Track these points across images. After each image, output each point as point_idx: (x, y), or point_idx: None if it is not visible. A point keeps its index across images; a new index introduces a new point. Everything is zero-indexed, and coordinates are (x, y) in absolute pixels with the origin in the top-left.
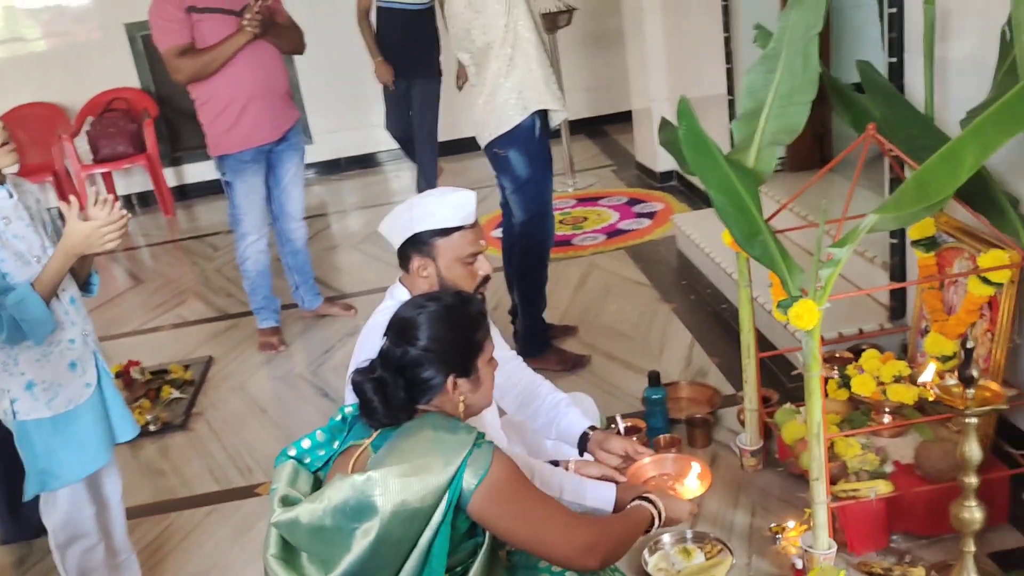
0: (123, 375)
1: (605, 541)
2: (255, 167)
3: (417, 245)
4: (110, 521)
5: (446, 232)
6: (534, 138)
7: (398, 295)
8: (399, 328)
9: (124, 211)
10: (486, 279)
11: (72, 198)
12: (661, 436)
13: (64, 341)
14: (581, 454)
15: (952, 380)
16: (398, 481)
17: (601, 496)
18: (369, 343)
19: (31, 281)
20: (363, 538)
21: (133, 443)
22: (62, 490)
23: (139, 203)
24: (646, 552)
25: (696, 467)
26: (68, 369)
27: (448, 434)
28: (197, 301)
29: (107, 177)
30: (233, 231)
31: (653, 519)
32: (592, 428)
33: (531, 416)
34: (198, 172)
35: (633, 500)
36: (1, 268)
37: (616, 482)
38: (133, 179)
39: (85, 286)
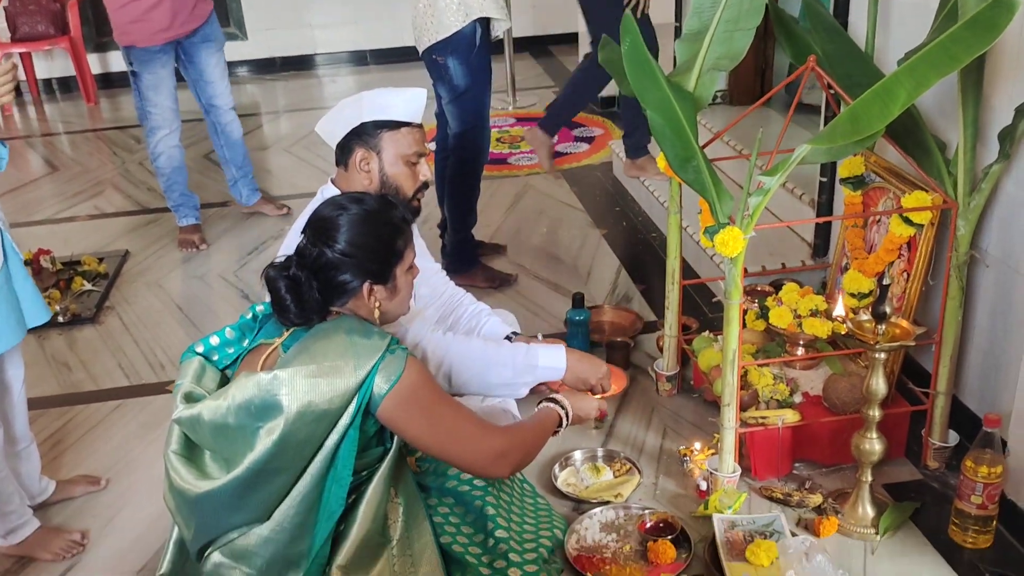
0: (32, 263)
1: (515, 448)
2: (164, 59)
3: (363, 136)
4: (10, 408)
5: (395, 126)
6: (474, 47)
7: (328, 195)
8: (318, 227)
9: (14, 62)
10: (425, 185)
11: None
12: None
13: None
14: None
15: (866, 316)
16: (306, 382)
17: (552, 363)
18: (294, 242)
19: None
20: (267, 437)
21: (40, 334)
22: None
23: (60, 88)
24: (556, 467)
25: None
26: None
27: (361, 338)
28: (116, 193)
29: (25, 58)
30: (143, 125)
31: (561, 420)
32: (514, 334)
33: (452, 326)
34: (123, 61)
35: (539, 402)
36: None
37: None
38: (54, 63)
39: None
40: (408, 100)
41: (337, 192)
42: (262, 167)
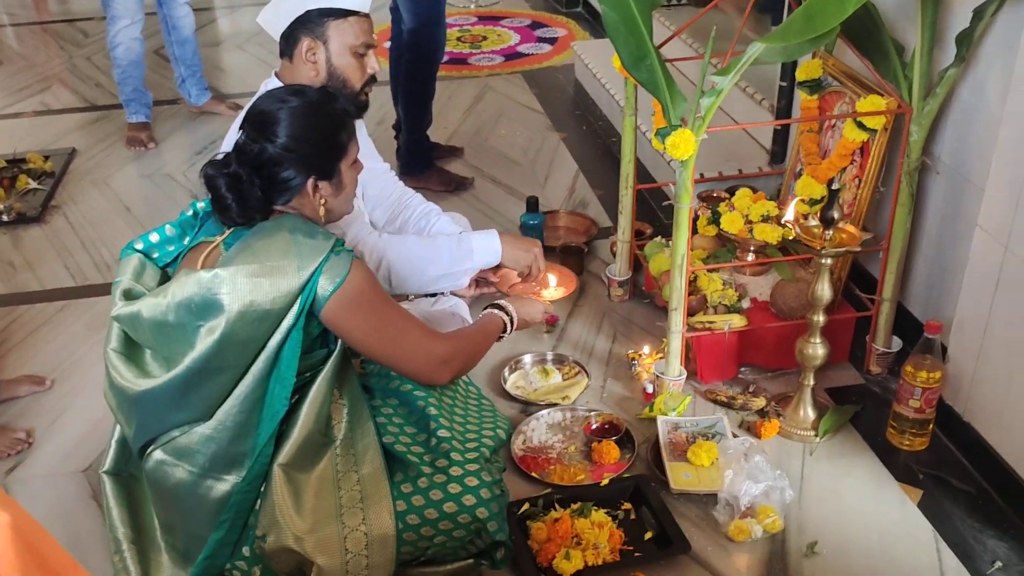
0: None
1: (458, 355)
2: None
3: (308, 25)
4: None
5: (342, 14)
6: None
7: (272, 87)
8: (257, 122)
9: None
10: (373, 78)
11: None
12: None
13: None
14: None
15: (814, 221)
16: (248, 281)
17: (487, 246)
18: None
19: None
20: (207, 336)
21: None
22: None
23: None
24: (506, 370)
25: (554, 278)
26: None
27: (305, 237)
28: (63, 89)
29: None
30: (105, 15)
31: (505, 325)
32: (462, 233)
33: (401, 227)
34: None
35: (485, 308)
36: None
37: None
38: None
39: None
40: None
41: (281, 86)
42: (215, 64)
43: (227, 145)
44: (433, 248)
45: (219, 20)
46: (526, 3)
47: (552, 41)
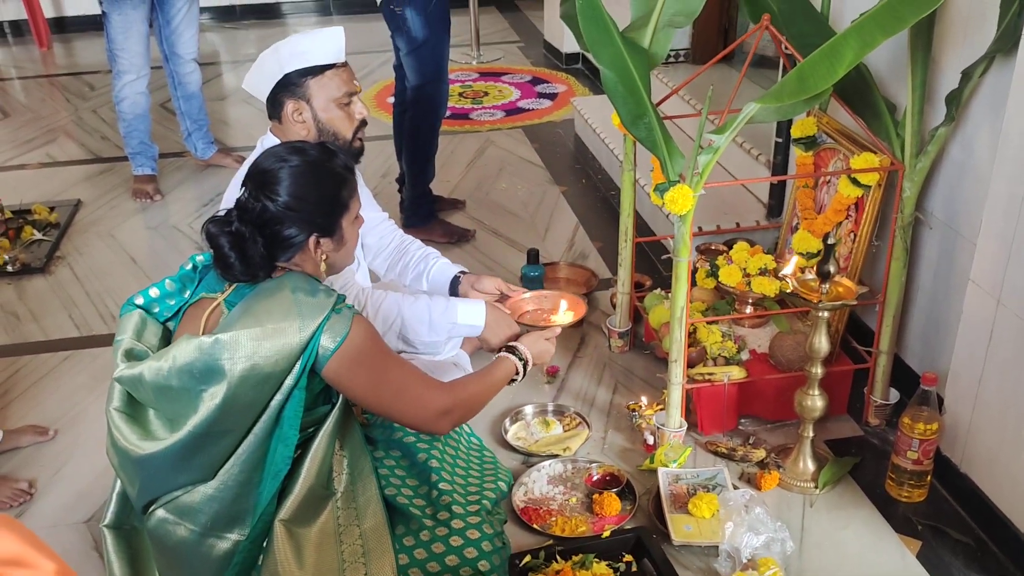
0: None
1: (458, 406)
2: (135, 1)
3: (289, 88)
4: None
5: (318, 71)
6: None
7: (267, 145)
8: (259, 180)
9: None
10: (363, 123)
11: None
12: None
13: None
14: None
15: (811, 275)
16: (249, 344)
17: (472, 312)
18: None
19: None
20: (210, 401)
21: None
22: None
23: (11, 32)
24: (507, 421)
25: (564, 303)
26: None
27: (306, 296)
28: (69, 141)
29: None
30: (111, 68)
31: (518, 369)
32: (463, 272)
33: (401, 272)
34: (79, 4)
35: (500, 352)
36: None
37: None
38: (6, 5)
39: None
40: (325, 41)
41: (277, 142)
42: (220, 118)
43: (227, 201)
44: (413, 311)
45: (224, 75)
46: (527, 59)
47: (552, 97)
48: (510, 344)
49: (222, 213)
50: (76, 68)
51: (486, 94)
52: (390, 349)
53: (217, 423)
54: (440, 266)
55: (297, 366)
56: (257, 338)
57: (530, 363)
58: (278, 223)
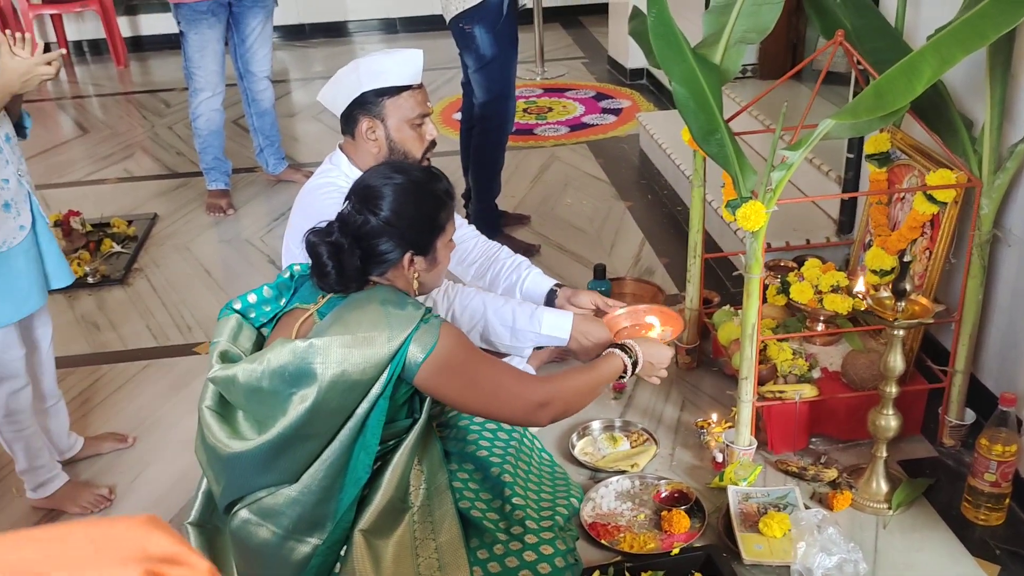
0: (62, 224)
1: (557, 398)
2: (211, 20)
3: (365, 106)
4: (39, 365)
5: (395, 91)
6: (501, 16)
7: (336, 161)
8: (363, 195)
9: (59, 51)
10: (432, 144)
11: (1, 35)
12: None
13: None
14: None
15: (886, 293)
16: (340, 351)
17: (558, 324)
18: (305, 205)
19: None
20: (299, 404)
21: (70, 294)
22: None
23: (90, 51)
24: (574, 436)
25: (656, 319)
26: (2, 210)
27: (396, 308)
28: (145, 156)
29: (56, 20)
30: (187, 86)
31: (626, 367)
32: (558, 285)
33: (493, 281)
34: (155, 24)
35: (608, 348)
36: None
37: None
38: (85, 24)
39: (18, 128)
40: (404, 63)
41: (345, 158)
42: (290, 134)
43: (295, 213)
44: (504, 310)
45: (294, 92)
46: (591, 75)
47: (617, 112)
48: (621, 342)
49: (323, 224)
50: (152, 86)
51: (550, 110)
52: (479, 351)
53: (305, 426)
54: (534, 278)
55: (384, 376)
56: (347, 345)
57: (640, 363)
58: (376, 237)
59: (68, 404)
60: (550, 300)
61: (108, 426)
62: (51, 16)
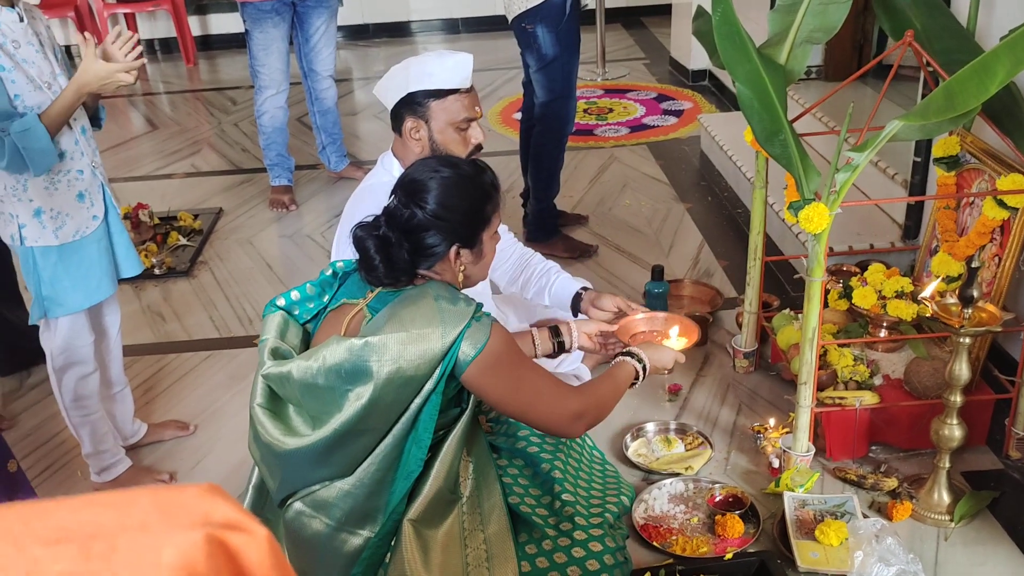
0: (131, 217)
1: (590, 409)
2: (276, 19)
3: (411, 106)
4: (107, 352)
5: (441, 94)
6: (563, 16)
7: (388, 165)
8: (410, 189)
9: (142, 52)
10: (478, 147)
11: (88, 35)
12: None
13: (73, 171)
14: (575, 316)
15: (952, 299)
16: (395, 348)
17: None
18: (354, 206)
19: (39, 112)
20: (355, 401)
21: (137, 284)
22: (63, 318)
23: (161, 49)
24: (628, 437)
25: (676, 329)
26: (76, 200)
27: (448, 304)
28: (212, 153)
29: (130, 18)
30: (253, 84)
31: (637, 373)
32: (584, 288)
33: (523, 285)
34: (223, 23)
35: (616, 357)
36: (13, 89)
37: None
38: (157, 23)
39: (93, 120)
40: (453, 67)
41: (395, 160)
42: (352, 132)
43: (348, 212)
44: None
45: (356, 91)
46: (652, 76)
47: (678, 114)
48: (629, 349)
49: (369, 219)
50: (219, 83)
51: (611, 110)
52: (525, 356)
53: (360, 422)
54: (562, 281)
55: (437, 371)
56: (403, 342)
57: (648, 367)
58: (423, 230)
59: (133, 391)
60: (577, 302)
61: (171, 414)
62: (124, 15)
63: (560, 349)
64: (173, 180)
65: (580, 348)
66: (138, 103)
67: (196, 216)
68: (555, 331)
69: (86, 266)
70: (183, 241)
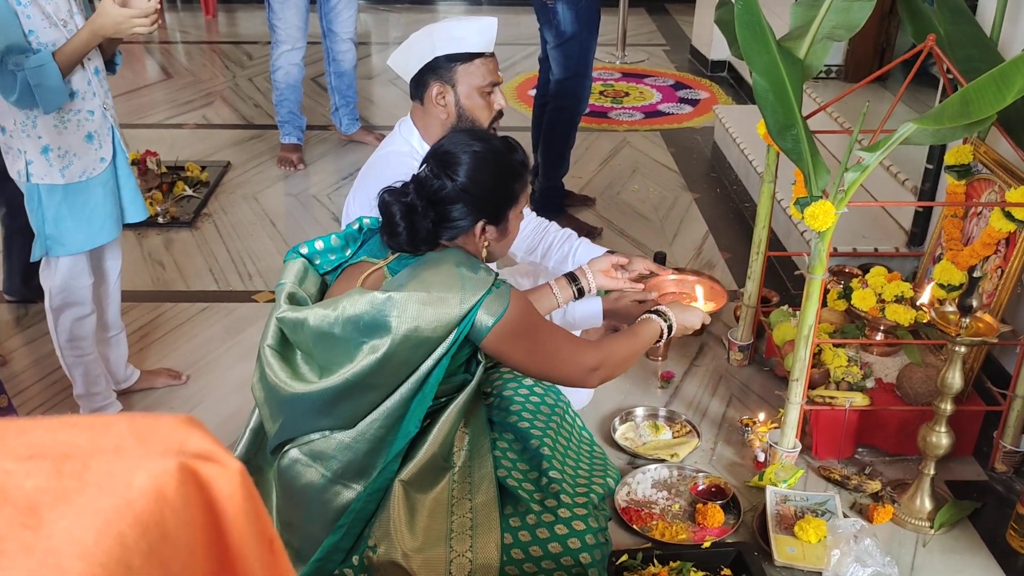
0: (139, 164)
1: (607, 361)
2: None
3: (437, 71)
4: (105, 296)
5: (468, 58)
6: None
7: (405, 131)
8: (442, 160)
9: (160, 0)
10: (500, 113)
11: None
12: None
13: (84, 111)
14: None
15: (951, 307)
16: (415, 307)
17: (589, 311)
18: (375, 171)
19: (53, 50)
20: (370, 354)
21: (139, 231)
22: (64, 257)
23: None
24: (617, 420)
25: (700, 289)
26: (85, 140)
27: (469, 271)
28: (224, 106)
29: None
30: (271, 39)
31: (662, 331)
32: (610, 252)
33: (545, 253)
34: None
35: (644, 314)
36: (28, 25)
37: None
38: None
39: (109, 65)
40: (480, 31)
41: (413, 128)
42: (366, 96)
43: (362, 179)
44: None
45: (373, 55)
46: (671, 64)
47: (694, 103)
48: (656, 307)
49: (398, 184)
50: (237, 37)
51: (627, 94)
52: (542, 317)
53: (370, 376)
54: (585, 248)
55: (451, 336)
56: (423, 303)
57: (675, 327)
58: (451, 202)
59: (128, 337)
60: None
61: (164, 362)
62: None
63: (580, 295)
64: (183, 130)
65: (600, 286)
66: (154, 51)
67: (204, 168)
68: (572, 277)
69: (90, 208)
70: (189, 192)
